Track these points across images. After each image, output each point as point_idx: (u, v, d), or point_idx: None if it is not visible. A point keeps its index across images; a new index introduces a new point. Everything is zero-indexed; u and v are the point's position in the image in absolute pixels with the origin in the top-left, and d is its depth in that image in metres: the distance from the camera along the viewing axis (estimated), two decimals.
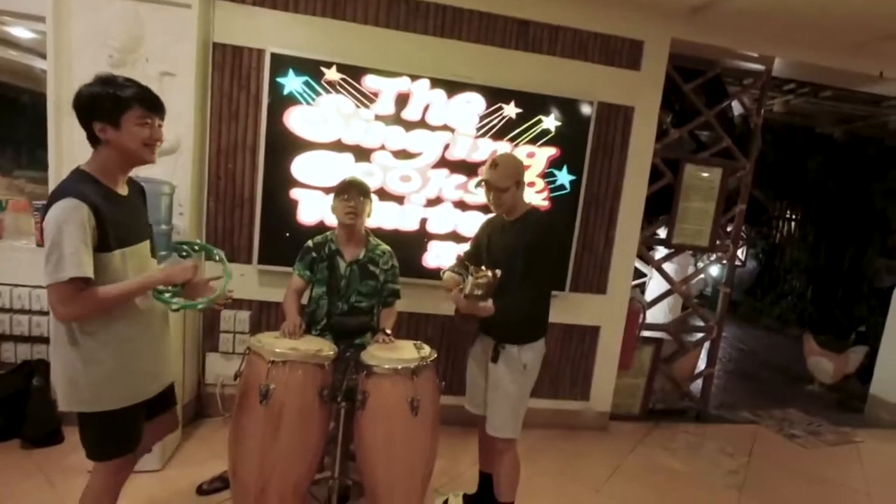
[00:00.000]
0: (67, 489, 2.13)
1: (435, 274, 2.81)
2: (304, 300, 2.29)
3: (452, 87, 2.75)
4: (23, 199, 2.93)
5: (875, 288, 6.16)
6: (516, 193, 2.00)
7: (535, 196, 2.89)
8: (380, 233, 2.53)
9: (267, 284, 2.79)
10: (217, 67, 2.64)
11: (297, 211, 2.71)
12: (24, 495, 2.11)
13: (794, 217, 7.72)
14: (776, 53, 3.20)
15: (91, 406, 1.50)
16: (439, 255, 2.88)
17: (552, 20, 2.87)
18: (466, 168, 2.83)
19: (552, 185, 2.93)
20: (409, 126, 2.74)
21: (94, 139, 1.47)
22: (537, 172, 2.89)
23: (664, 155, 3.32)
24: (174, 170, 2.51)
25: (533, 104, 2.83)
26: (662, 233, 3.49)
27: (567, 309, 3.04)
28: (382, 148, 2.73)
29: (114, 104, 1.43)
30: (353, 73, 2.65)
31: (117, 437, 1.57)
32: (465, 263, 1.94)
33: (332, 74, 2.63)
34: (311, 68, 2.62)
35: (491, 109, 2.80)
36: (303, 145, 2.67)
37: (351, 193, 2.14)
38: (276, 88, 2.61)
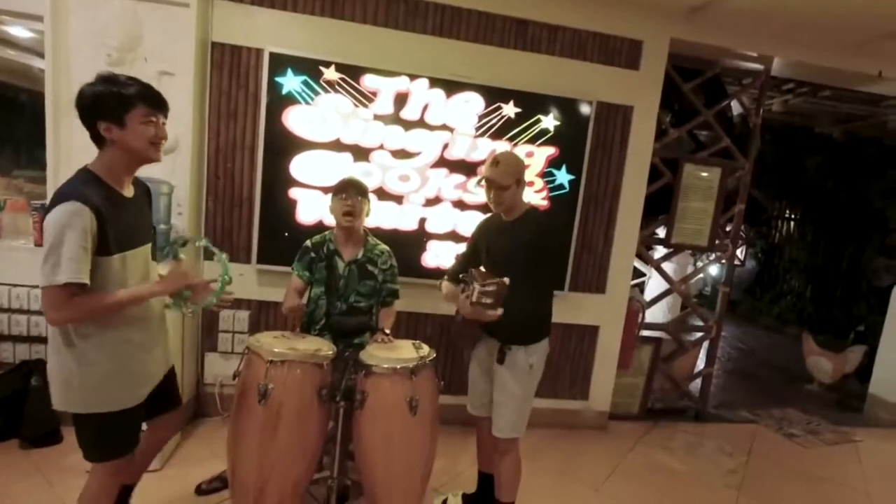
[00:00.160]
0: (66, 489, 2.13)
1: (434, 273, 2.82)
2: (304, 300, 2.29)
3: (451, 87, 2.74)
4: (21, 199, 2.92)
5: (874, 287, 6.16)
6: (517, 192, 1.99)
7: (535, 195, 2.89)
8: (378, 232, 2.53)
9: (266, 284, 2.79)
10: (216, 67, 2.64)
11: (295, 210, 2.71)
12: (23, 495, 2.11)
13: (793, 216, 7.72)
14: (775, 53, 3.21)
15: (85, 407, 1.50)
16: (438, 255, 2.88)
17: (551, 20, 2.87)
18: (465, 167, 2.83)
19: (551, 185, 2.93)
20: (407, 125, 2.74)
21: (98, 139, 1.46)
22: (536, 172, 2.89)
23: (663, 154, 3.32)
24: (173, 169, 2.50)
25: (532, 104, 2.83)
26: (661, 232, 3.49)
27: (566, 308, 3.03)
28: (381, 147, 2.73)
29: (118, 103, 1.43)
30: (352, 72, 2.65)
31: (114, 438, 1.56)
32: (471, 270, 1.92)
33: (330, 74, 2.63)
34: (309, 68, 2.62)
35: (490, 109, 2.80)
36: (301, 145, 2.66)
37: (349, 193, 2.14)
38: (274, 88, 2.61)
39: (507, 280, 1.67)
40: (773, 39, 3.11)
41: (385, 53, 2.71)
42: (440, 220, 2.86)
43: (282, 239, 2.70)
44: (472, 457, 2.37)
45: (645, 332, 3.48)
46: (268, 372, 1.78)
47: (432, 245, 2.88)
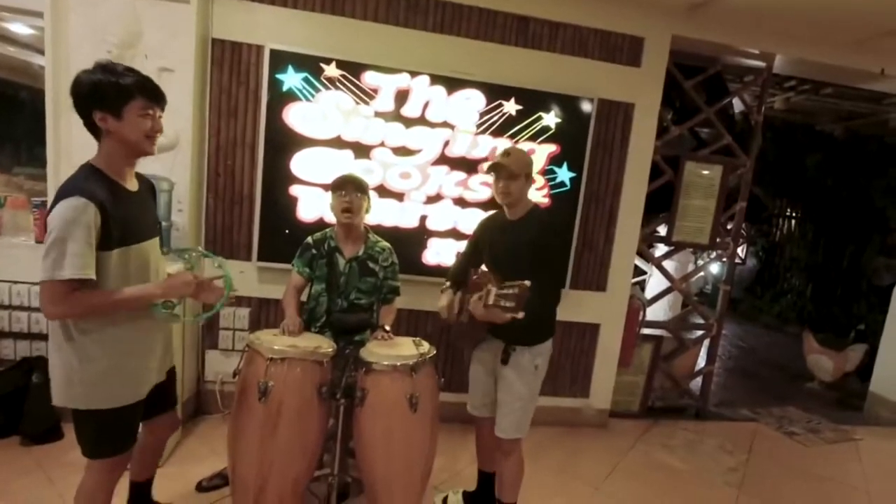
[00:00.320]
0: (66, 486, 2.13)
1: (435, 271, 2.82)
2: (304, 297, 2.28)
3: (452, 84, 2.74)
4: (21, 196, 2.92)
5: (874, 286, 6.15)
6: (525, 186, 1.98)
7: (536, 193, 2.88)
8: (379, 230, 2.52)
9: (266, 281, 2.79)
10: (216, 63, 2.63)
11: (296, 208, 2.71)
12: (23, 492, 2.11)
13: (793, 215, 7.71)
14: (777, 50, 3.20)
15: (84, 403, 1.50)
16: (439, 253, 2.88)
17: (552, 16, 2.86)
18: (466, 165, 2.82)
19: (552, 182, 2.92)
20: (408, 123, 2.73)
21: (92, 128, 1.45)
22: (537, 169, 2.88)
23: (664, 152, 3.31)
24: (173, 166, 2.50)
25: (533, 101, 2.82)
26: (662, 230, 3.49)
27: (567, 306, 2.99)
28: (382, 145, 2.73)
29: (117, 94, 1.41)
30: (353, 69, 2.64)
31: (112, 435, 1.56)
32: (480, 273, 1.89)
33: (331, 71, 2.62)
34: (310, 64, 2.61)
35: (491, 106, 2.79)
36: (302, 142, 2.66)
37: (347, 189, 2.14)
38: (275, 85, 2.60)
39: (528, 283, 1.62)
40: (774, 36, 3.10)
41: (386, 50, 2.70)
42: (441, 217, 2.85)
43: (282, 236, 2.70)
44: (473, 455, 2.36)
45: (645, 331, 3.48)
46: (268, 369, 1.78)
47: (433, 242, 2.87)
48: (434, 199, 2.83)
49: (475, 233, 2.23)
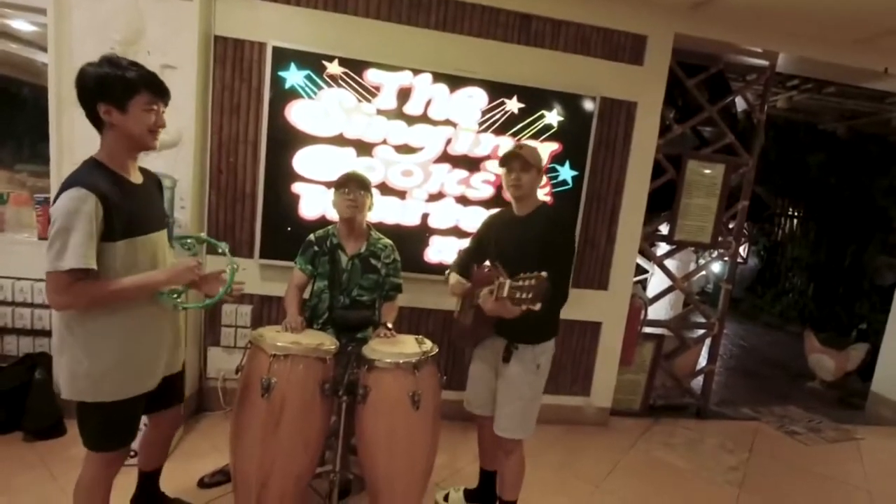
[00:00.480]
0: (69, 482, 2.11)
1: (436, 269, 2.82)
2: (306, 295, 2.29)
3: (454, 82, 2.73)
4: (24, 193, 2.93)
5: (876, 285, 6.14)
6: (535, 180, 1.98)
7: (538, 191, 2.87)
8: (381, 227, 2.52)
9: (268, 279, 2.79)
10: (218, 61, 2.63)
11: (298, 205, 2.71)
12: (26, 487, 2.12)
13: (795, 214, 7.70)
14: (780, 49, 3.19)
15: (90, 396, 1.51)
16: (441, 251, 2.88)
17: (555, 14, 2.85)
18: (468, 163, 2.82)
19: (554, 181, 2.92)
20: (411, 120, 2.73)
21: (95, 120, 1.46)
22: None
23: (666, 151, 3.30)
24: (175, 163, 2.50)
25: (535, 99, 2.82)
26: (664, 229, 3.48)
27: (568, 304, 2.99)
28: (384, 142, 2.73)
29: (123, 88, 1.43)
30: (355, 67, 2.64)
31: (116, 428, 1.57)
32: (491, 266, 1.87)
33: (333, 68, 2.62)
34: (312, 62, 2.61)
35: (493, 104, 2.79)
36: (304, 139, 2.66)
37: (350, 186, 2.14)
38: (277, 82, 2.60)
39: (545, 274, 1.58)
40: (777, 35, 3.10)
41: (388, 48, 2.70)
42: (443, 215, 2.85)
43: (284, 234, 2.70)
44: (474, 452, 2.37)
45: (647, 329, 3.48)
46: (271, 366, 1.78)
47: (435, 240, 2.87)
48: (436, 196, 2.83)
49: (480, 229, 2.22)
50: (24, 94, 4.26)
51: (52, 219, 1.38)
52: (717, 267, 6.63)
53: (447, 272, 2.20)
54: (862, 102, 4.65)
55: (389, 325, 2.14)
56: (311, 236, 2.26)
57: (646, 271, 4.73)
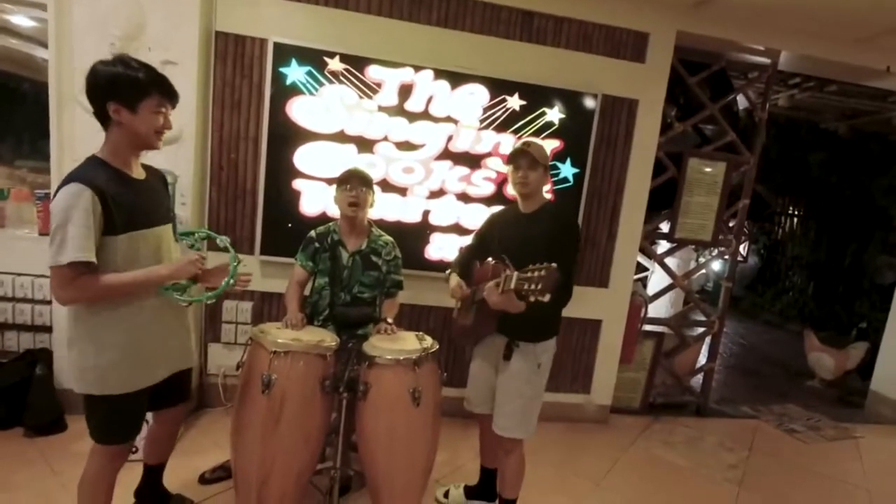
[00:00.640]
0: (70, 477, 2.12)
1: (437, 266, 2.82)
2: (307, 291, 2.29)
3: (456, 79, 2.73)
4: (25, 189, 2.92)
5: (876, 284, 6.15)
6: (542, 178, 1.97)
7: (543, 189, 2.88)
8: (382, 224, 2.52)
9: (269, 275, 2.79)
10: (219, 56, 2.63)
11: (299, 202, 2.70)
12: (27, 483, 2.12)
13: (796, 213, 7.70)
14: (782, 47, 3.18)
15: (98, 389, 1.53)
16: (441, 248, 2.87)
17: (557, 11, 2.85)
18: (469, 160, 2.81)
19: (555, 178, 2.92)
20: (412, 117, 2.72)
21: (103, 117, 1.48)
22: None
23: (668, 149, 3.30)
24: (176, 159, 2.50)
25: (537, 96, 2.82)
26: (665, 227, 3.48)
27: (569, 302, 3.03)
28: (385, 139, 2.72)
29: (134, 89, 1.46)
30: (357, 63, 2.63)
31: (121, 422, 1.60)
32: (500, 259, 1.84)
33: (335, 64, 2.61)
34: (314, 58, 2.60)
35: (494, 101, 2.78)
36: (305, 136, 2.66)
37: (353, 183, 2.13)
38: (278, 78, 2.59)
39: (554, 265, 1.55)
40: (779, 33, 3.09)
41: (390, 44, 2.69)
42: (444, 212, 2.85)
43: (285, 230, 2.70)
44: (474, 449, 2.37)
45: (647, 327, 3.48)
46: (271, 363, 1.78)
47: (436, 238, 2.87)
48: (437, 194, 2.83)
49: (483, 226, 2.21)
50: (24, 89, 4.25)
51: (52, 216, 1.40)
52: (717, 265, 6.64)
53: (448, 272, 2.19)
54: (863, 101, 4.64)
55: (390, 320, 2.14)
56: (312, 233, 2.26)
57: (646, 269, 4.73)
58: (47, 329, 2.59)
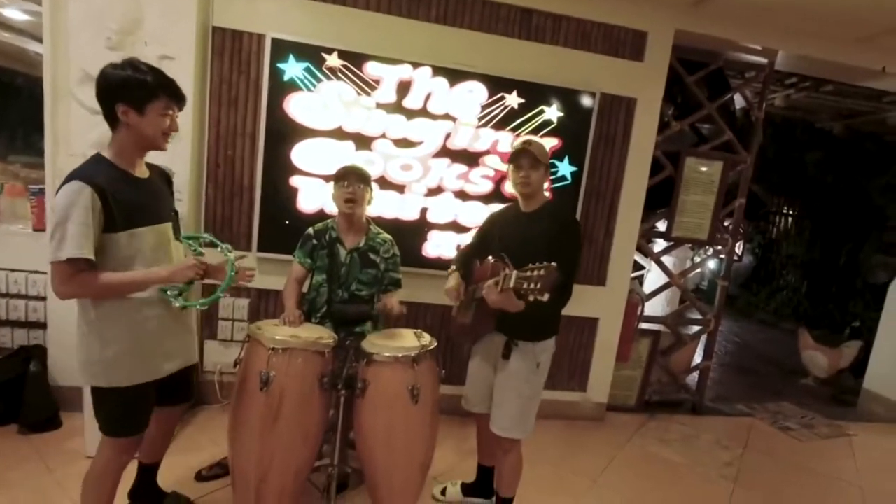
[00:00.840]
0: (65, 474, 2.13)
1: (435, 263, 2.82)
2: (305, 288, 2.28)
3: (454, 76, 2.72)
4: (19, 184, 2.90)
5: (870, 283, 6.19)
6: (543, 177, 1.96)
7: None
8: (380, 222, 2.51)
9: (266, 272, 2.77)
10: (216, 52, 2.61)
11: (296, 198, 2.69)
12: (22, 480, 2.11)
13: (791, 212, 7.74)
14: (780, 46, 3.19)
15: (104, 381, 1.56)
16: (439, 245, 2.87)
17: (555, 9, 2.84)
18: (468, 157, 2.81)
19: (553, 177, 2.91)
20: (410, 114, 2.71)
21: (111, 118, 1.51)
22: None
23: (665, 147, 3.30)
24: (173, 156, 2.46)
25: (535, 94, 2.81)
26: (662, 225, 3.49)
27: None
28: (383, 136, 2.71)
29: (144, 92, 1.49)
30: (355, 59, 2.62)
31: (130, 413, 1.62)
32: (499, 258, 1.84)
33: (333, 61, 2.60)
34: (312, 54, 2.59)
35: (493, 99, 2.78)
36: (303, 132, 2.64)
37: (350, 179, 2.13)
38: (276, 74, 2.58)
39: (554, 264, 1.54)
40: (777, 32, 3.10)
41: (388, 41, 2.68)
42: (442, 210, 2.84)
43: (282, 227, 2.69)
44: (472, 447, 2.37)
45: (643, 325, 3.49)
46: (270, 359, 1.78)
47: (433, 235, 2.87)
48: (435, 191, 2.82)
49: (483, 225, 2.20)
50: (18, 84, 4.21)
51: (53, 213, 1.43)
52: (713, 264, 6.67)
53: (450, 269, 2.17)
54: (859, 101, 4.66)
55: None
56: (310, 230, 2.25)
57: (643, 268, 4.75)
58: (42, 326, 2.57)
